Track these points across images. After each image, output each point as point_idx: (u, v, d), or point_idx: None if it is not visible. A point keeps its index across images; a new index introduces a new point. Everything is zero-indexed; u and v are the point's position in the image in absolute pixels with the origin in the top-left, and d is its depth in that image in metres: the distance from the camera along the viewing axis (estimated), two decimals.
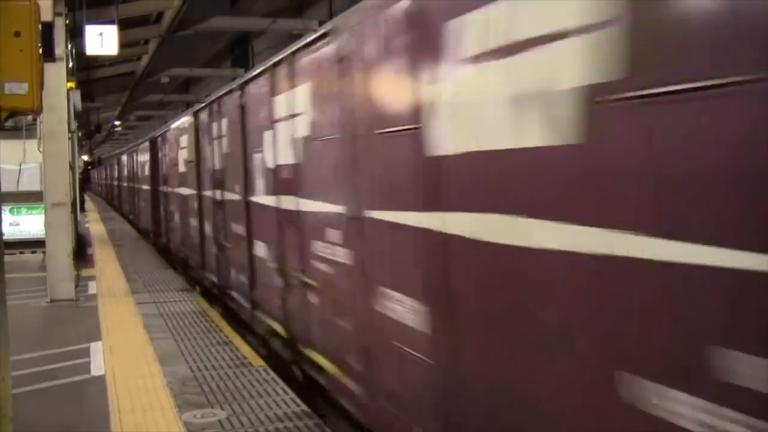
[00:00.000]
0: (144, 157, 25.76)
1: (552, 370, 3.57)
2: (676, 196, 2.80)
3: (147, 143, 24.69)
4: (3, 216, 19.60)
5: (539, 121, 3.55)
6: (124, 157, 36.99)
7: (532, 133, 3.60)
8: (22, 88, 4.25)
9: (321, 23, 19.91)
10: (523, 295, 3.77)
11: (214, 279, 12.82)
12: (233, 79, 30.88)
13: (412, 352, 5.00)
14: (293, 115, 7.68)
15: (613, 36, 3.02)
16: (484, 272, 4.14)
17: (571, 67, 3.30)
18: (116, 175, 45.57)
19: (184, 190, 16.24)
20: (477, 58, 4.06)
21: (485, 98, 4.01)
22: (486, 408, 4.18)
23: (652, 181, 2.90)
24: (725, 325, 2.64)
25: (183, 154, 16.14)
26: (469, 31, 4.14)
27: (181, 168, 16.54)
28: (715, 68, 2.61)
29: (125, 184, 36.88)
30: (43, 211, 13.35)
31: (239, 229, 10.52)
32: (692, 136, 2.72)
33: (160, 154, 20.85)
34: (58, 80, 12.72)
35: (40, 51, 4.42)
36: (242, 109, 10.26)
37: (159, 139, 21.09)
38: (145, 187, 25.47)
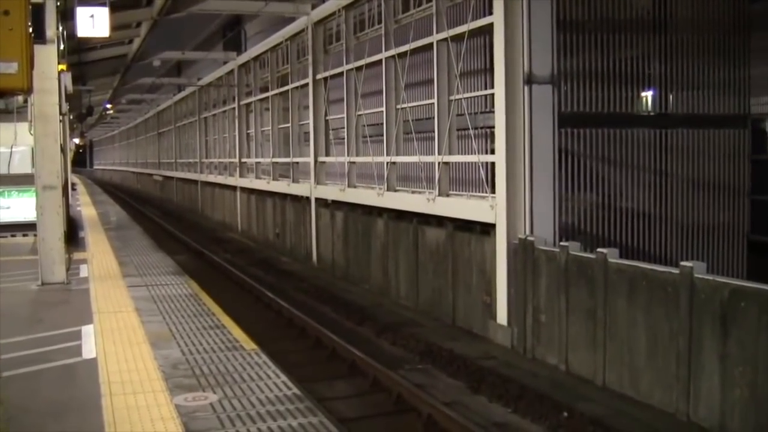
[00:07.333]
0: None
1: None
2: None
3: None
4: None
5: None
6: None
7: None
8: (12, 67, 4.19)
9: (314, 7, 19.81)
10: None
11: None
12: (225, 63, 30.84)
13: None
14: None
15: None
16: None
17: None
18: None
19: None
20: None
21: None
22: None
23: None
24: None
25: None
26: None
27: None
28: None
29: None
30: (34, 194, 13.29)
31: None
32: None
33: None
34: (49, 62, 12.63)
35: (30, 30, 4.37)
36: None
37: None
38: None
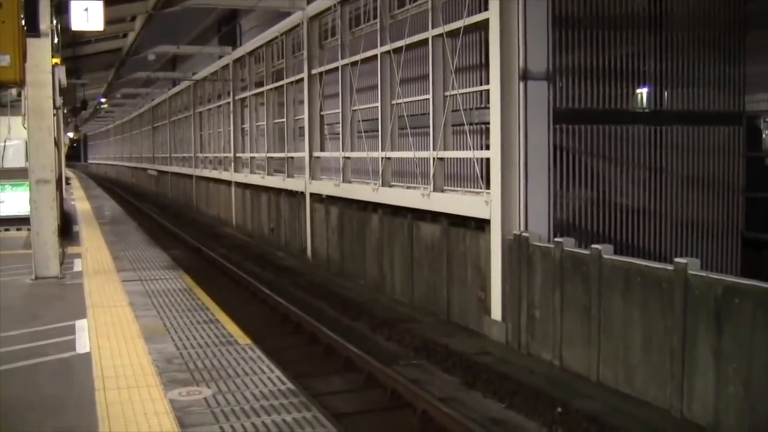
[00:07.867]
0: None
1: None
2: None
3: None
4: None
5: None
6: None
7: None
8: (4, 60, 4.17)
9: (309, 1, 19.77)
10: None
11: None
12: (220, 57, 30.79)
13: None
14: None
15: None
16: None
17: None
18: None
19: None
20: None
21: None
22: None
23: None
24: None
25: None
26: None
27: None
28: None
29: None
30: (28, 188, 13.25)
31: None
32: None
33: None
34: (43, 56, 12.55)
35: (23, 23, 4.34)
36: None
37: None
38: None
